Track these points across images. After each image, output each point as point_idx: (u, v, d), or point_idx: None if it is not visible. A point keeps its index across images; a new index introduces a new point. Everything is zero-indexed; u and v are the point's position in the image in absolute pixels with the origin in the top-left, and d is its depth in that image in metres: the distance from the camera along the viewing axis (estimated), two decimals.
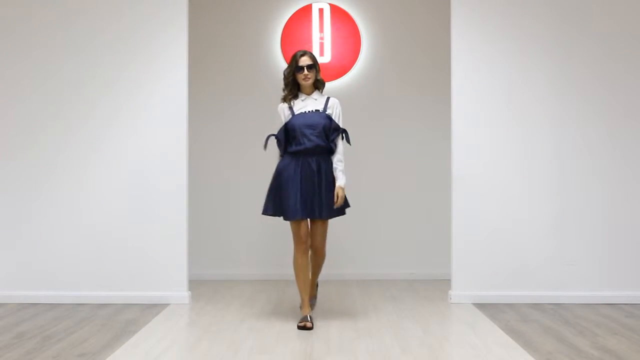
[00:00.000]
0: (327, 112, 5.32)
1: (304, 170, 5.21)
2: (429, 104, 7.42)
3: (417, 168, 7.44)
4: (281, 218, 5.36)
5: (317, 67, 5.37)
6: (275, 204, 5.28)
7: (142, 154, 6.07)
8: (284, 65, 6.95)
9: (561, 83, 6.12)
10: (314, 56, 5.38)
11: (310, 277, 5.37)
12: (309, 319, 5.14)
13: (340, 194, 5.24)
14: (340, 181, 5.27)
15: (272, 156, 5.51)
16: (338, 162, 5.31)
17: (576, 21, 6.14)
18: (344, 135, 5.36)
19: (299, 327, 5.09)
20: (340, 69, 7.41)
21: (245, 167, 7.36)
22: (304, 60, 5.32)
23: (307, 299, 5.26)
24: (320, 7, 7.44)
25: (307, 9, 7.45)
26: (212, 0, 7.48)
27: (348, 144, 5.40)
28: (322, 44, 7.38)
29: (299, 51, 5.39)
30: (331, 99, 5.39)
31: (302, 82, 5.33)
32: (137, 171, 6.08)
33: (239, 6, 7.51)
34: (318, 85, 5.39)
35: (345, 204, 5.36)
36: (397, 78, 7.47)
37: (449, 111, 6.16)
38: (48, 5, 6.14)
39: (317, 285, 5.74)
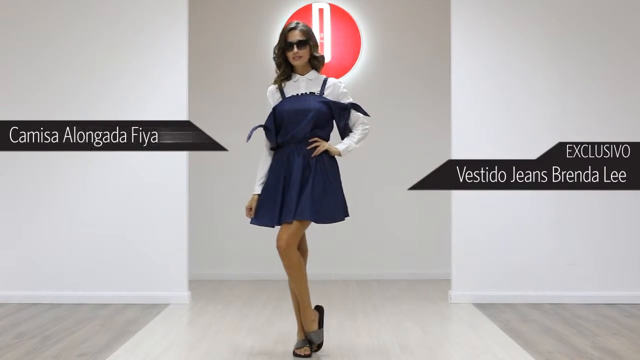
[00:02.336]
0: (324, 95, 4.37)
1: (288, 164, 4.29)
2: (429, 104, 7.42)
3: (417, 168, 7.40)
4: None
5: (312, 42, 4.35)
6: (258, 210, 4.38)
7: (142, 154, 6.06)
8: None
9: (560, 83, 6.13)
10: (307, 30, 4.36)
11: (306, 284, 4.35)
12: (305, 343, 4.34)
13: (324, 145, 4.32)
14: (341, 145, 4.38)
15: None
16: (354, 133, 4.42)
17: (575, 23, 6.14)
18: (357, 109, 4.40)
19: (295, 354, 4.34)
20: (340, 69, 7.41)
21: (246, 167, 7.32)
22: (294, 36, 4.32)
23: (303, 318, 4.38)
24: (320, 7, 7.44)
25: (307, 9, 7.46)
26: (212, 0, 7.48)
27: (367, 116, 4.44)
28: (322, 44, 7.37)
29: (289, 24, 4.38)
30: (329, 79, 4.41)
31: (293, 62, 4.37)
32: (137, 171, 6.09)
33: (239, 7, 7.51)
34: (315, 63, 4.40)
35: (341, 211, 4.35)
36: (397, 78, 7.48)
37: (449, 111, 6.16)
38: (49, 7, 6.14)
39: (321, 314, 4.43)
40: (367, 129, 4.46)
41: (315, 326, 4.36)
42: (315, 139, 4.33)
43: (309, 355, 4.30)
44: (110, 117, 6.07)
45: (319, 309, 4.44)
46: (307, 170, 4.28)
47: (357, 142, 4.43)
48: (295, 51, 4.32)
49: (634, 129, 6.09)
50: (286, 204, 4.26)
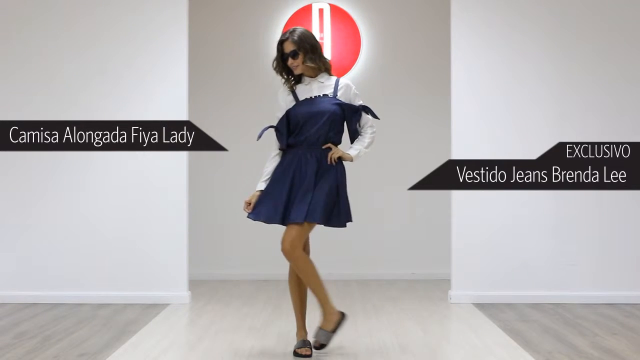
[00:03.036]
0: (338, 97, 4.39)
1: (300, 165, 4.32)
2: (429, 104, 7.42)
3: (417, 168, 7.40)
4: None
5: (307, 47, 4.33)
6: (257, 206, 4.40)
7: (142, 154, 6.06)
8: None
9: (560, 84, 6.13)
10: (300, 37, 4.33)
11: (303, 292, 4.42)
12: (306, 344, 4.35)
13: (338, 152, 4.33)
14: (352, 150, 4.40)
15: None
16: (363, 137, 4.42)
17: (575, 23, 6.14)
18: (368, 111, 4.42)
19: (295, 354, 4.35)
20: (341, 69, 7.40)
21: (246, 166, 7.35)
22: (286, 47, 4.34)
23: (302, 320, 4.43)
24: (320, 7, 7.44)
25: (307, 9, 7.46)
26: (213, 0, 7.48)
27: (377, 119, 4.46)
28: (322, 44, 7.36)
29: (281, 35, 4.40)
30: (341, 80, 4.44)
31: (294, 72, 4.39)
32: (137, 171, 6.09)
33: (239, 7, 7.51)
34: (319, 66, 4.40)
35: (347, 216, 4.39)
36: (396, 78, 7.48)
37: (449, 111, 6.16)
38: (48, 8, 6.14)
39: (341, 320, 4.37)
40: (375, 132, 4.48)
41: (332, 326, 4.31)
42: (329, 144, 4.36)
43: (309, 356, 4.30)
44: (110, 117, 6.07)
45: (342, 315, 4.36)
46: (319, 174, 4.30)
47: (366, 147, 4.45)
48: (290, 62, 4.34)
49: (634, 129, 6.09)
50: (295, 205, 4.26)
